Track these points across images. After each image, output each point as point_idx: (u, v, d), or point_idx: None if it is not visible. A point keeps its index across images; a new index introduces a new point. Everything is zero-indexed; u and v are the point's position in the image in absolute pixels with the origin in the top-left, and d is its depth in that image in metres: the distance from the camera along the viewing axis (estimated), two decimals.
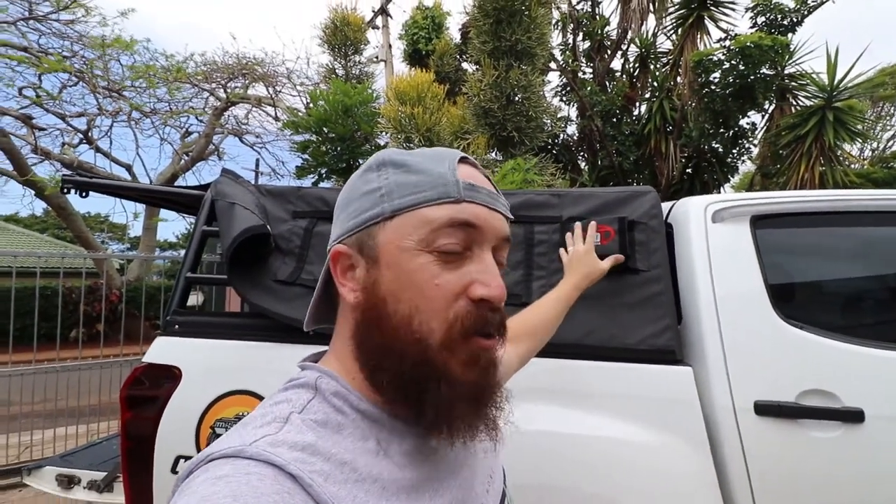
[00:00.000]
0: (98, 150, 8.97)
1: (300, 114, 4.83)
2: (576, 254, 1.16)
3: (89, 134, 8.82)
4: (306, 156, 4.65)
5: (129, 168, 9.66)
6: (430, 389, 0.44)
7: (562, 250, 1.22)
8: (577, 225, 1.23)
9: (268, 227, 1.39)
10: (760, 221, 1.37)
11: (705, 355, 1.26)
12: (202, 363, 1.33)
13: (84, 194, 1.62)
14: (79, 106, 8.88)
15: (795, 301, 1.37)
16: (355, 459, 0.42)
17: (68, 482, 1.56)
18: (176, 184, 8.21)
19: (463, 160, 0.51)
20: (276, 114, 10.18)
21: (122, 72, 8.60)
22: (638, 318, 1.28)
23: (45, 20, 7.88)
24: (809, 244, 1.41)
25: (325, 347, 0.54)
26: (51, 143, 8.78)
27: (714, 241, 1.35)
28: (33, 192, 8.15)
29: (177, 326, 1.38)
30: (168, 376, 1.31)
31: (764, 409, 1.20)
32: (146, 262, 9.11)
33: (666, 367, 1.25)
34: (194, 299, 4.29)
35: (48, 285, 5.06)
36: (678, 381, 1.23)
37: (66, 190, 1.55)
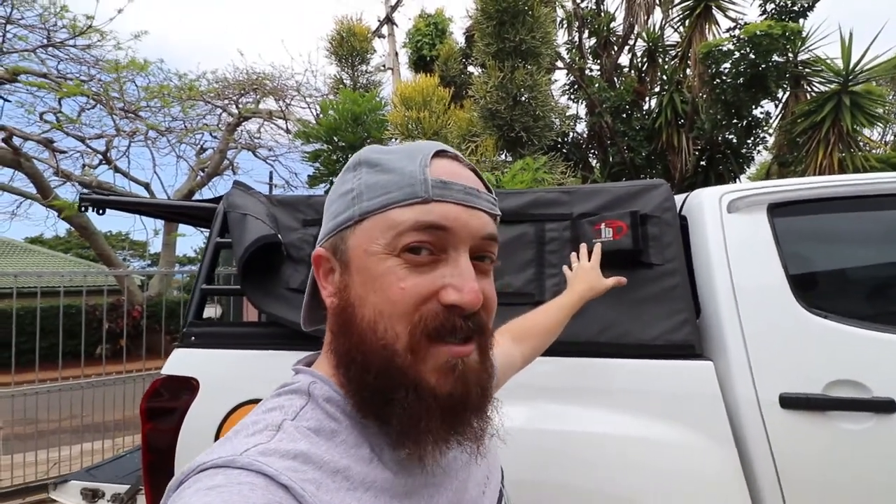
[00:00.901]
0: (117, 169, 9.20)
1: (310, 124, 4.89)
2: (581, 269, 1.14)
3: (108, 154, 9.05)
4: (318, 165, 4.70)
5: (147, 186, 9.88)
6: (397, 400, 0.42)
7: (565, 267, 1.20)
8: (583, 245, 1.21)
9: (279, 236, 1.41)
10: (778, 209, 1.34)
11: (726, 349, 1.23)
12: (219, 374, 1.35)
13: (101, 211, 1.66)
14: (97, 128, 9.13)
15: (818, 290, 1.32)
16: (349, 467, 0.42)
17: (93, 496, 1.59)
18: (193, 199, 8.37)
19: (440, 154, 0.48)
20: (287, 126, 10.32)
21: (138, 93, 8.83)
22: (654, 313, 1.26)
23: (62, 46, 8.13)
24: (830, 231, 1.37)
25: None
26: (71, 165, 9.05)
27: (731, 232, 1.32)
28: (56, 214, 8.39)
29: (193, 338, 1.40)
30: (186, 387, 1.32)
31: (790, 402, 1.16)
32: (166, 277, 9.28)
33: (686, 363, 1.22)
34: (213, 311, 4.36)
35: (72, 304, 5.19)
36: (699, 377, 1.21)
37: (84, 208, 1.59)
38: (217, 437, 1.29)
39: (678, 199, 1.49)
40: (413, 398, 0.42)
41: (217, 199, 1.62)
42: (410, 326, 0.43)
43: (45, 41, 7.94)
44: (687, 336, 1.23)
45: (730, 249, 1.31)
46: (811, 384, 1.17)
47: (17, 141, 7.64)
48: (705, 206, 1.38)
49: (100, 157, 9.17)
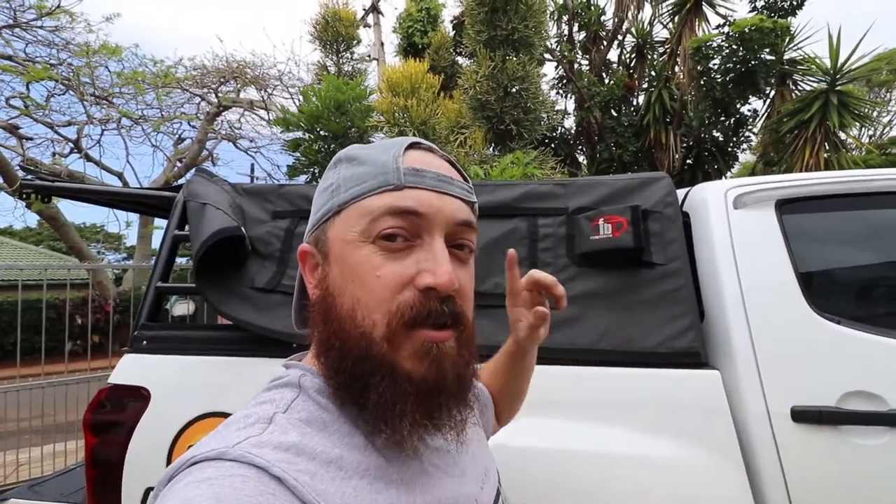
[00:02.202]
0: (88, 158, 8.82)
1: (290, 112, 4.69)
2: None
3: (79, 143, 8.68)
4: (298, 154, 4.51)
5: (120, 176, 9.52)
6: (372, 386, 0.42)
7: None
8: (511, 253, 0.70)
9: (242, 228, 1.26)
10: (787, 206, 1.24)
11: (734, 357, 1.13)
12: (174, 383, 1.20)
13: (47, 199, 1.49)
14: (67, 115, 8.74)
15: (831, 293, 1.24)
16: (342, 456, 0.42)
17: None
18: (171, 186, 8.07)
19: (414, 146, 0.50)
20: (268, 117, 10.04)
21: (111, 78, 8.46)
22: (656, 317, 1.15)
23: (29, 27, 7.73)
24: (843, 229, 1.28)
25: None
26: (41, 153, 8.65)
27: (737, 229, 1.22)
28: (24, 205, 8.01)
29: (145, 342, 1.25)
30: (136, 398, 1.17)
31: (802, 416, 1.07)
32: (142, 271, 8.97)
33: (690, 372, 1.12)
34: (185, 309, 4.14)
35: (45, 298, 4.96)
36: (705, 387, 1.10)
37: (26, 195, 1.42)
38: (170, 455, 1.15)
39: (679, 193, 1.39)
40: (388, 383, 0.42)
41: (177, 188, 1.47)
42: (388, 316, 0.43)
43: (10, 21, 7.53)
44: (691, 342, 1.12)
45: (736, 248, 1.21)
46: (824, 396, 1.08)
47: None
48: (710, 201, 1.28)
49: (70, 145, 8.80)
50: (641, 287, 1.19)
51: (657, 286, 1.18)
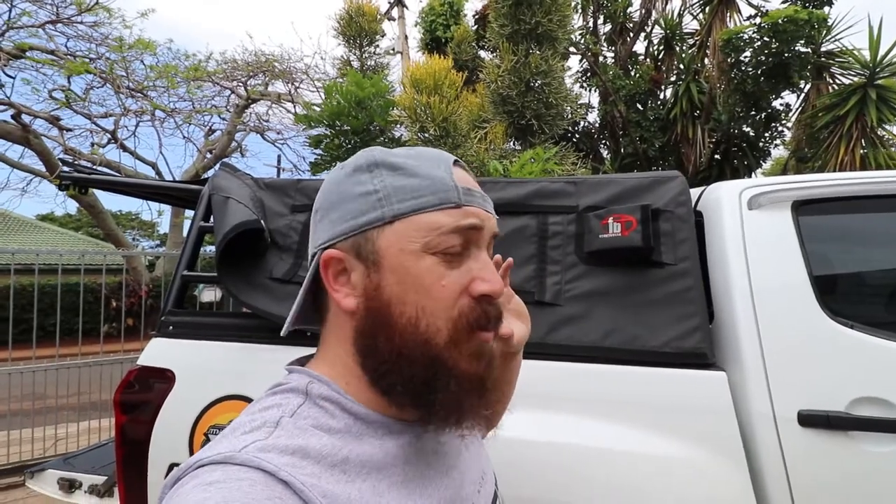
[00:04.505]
0: (124, 148, 9.16)
1: (313, 107, 4.77)
2: None
3: (116, 133, 9.01)
4: (320, 150, 4.59)
5: (153, 166, 9.86)
6: (439, 388, 0.45)
7: None
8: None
9: (262, 221, 1.32)
10: (804, 207, 1.22)
11: (741, 358, 1.13)
12: (196, 366, 1.27)
13: (83, 190, 1.58)
14: (105, 107, 9.08)
15: (844, 296, 1.22)
16: (347, 459, 0.43)
17: (69, 486, 1.54)
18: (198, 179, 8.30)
19: (455, 163, 0.52)
20: (294, 110, 10.21)
21: (145, 72, 8.74)
22: (664, 317, 1.15)
23: (70, 23, 8.04)
24: (860, 233, 1.25)
25: (312, 350, 0.54)
26: (80, 143, 9.02)
27: (751, 231, 1.21)
28: (64, 192, 8.38)
29: (171, 327, 1.32)
30: (162, 380, 1.25)
31: (810, 420, 1.06)
32: (173, 258, 9.30)
33: (696, 372, 1.12)
34: (212, 295, 4.29)
35: (69, 281, 5.20)
36: (710, 388, 1.11)
37: (63, 186, 1.51)
38: (193, 433, 1.22)
39: (694, 193, 1.38)
40: (454, 384, 0.45)
41: (203, 181, 1.54)
42: (451, 321, 0.46)
43: (53, 17, 7.85)
44: (698, 343, 1.13)
45: (749, 250, 1.20)
46: (833, 401, 1.07)
47: (26, 119, 7.61)
48: (724, 201, 1.27)
49: (108, 135, 9.14)
50: (650, 286, 1.19)
51: (666, 286, 1.18)
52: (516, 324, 0.72)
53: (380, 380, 0.47)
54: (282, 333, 0.55)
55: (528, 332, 0.72)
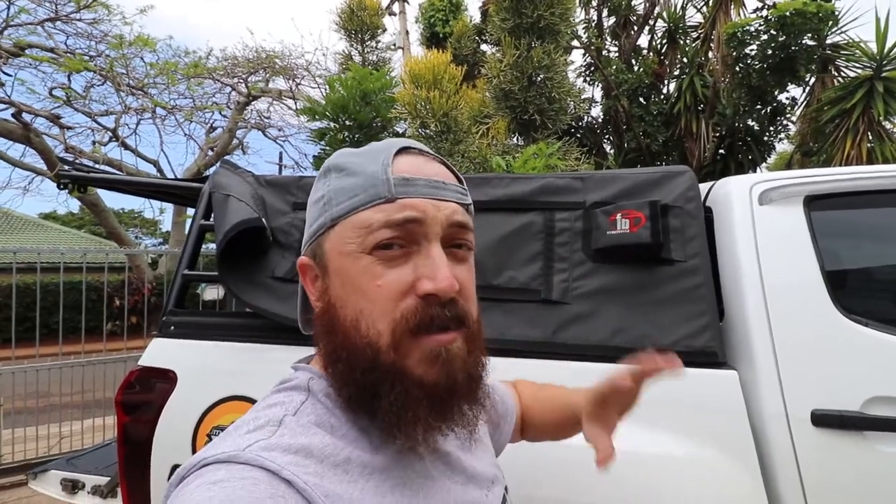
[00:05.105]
0: (126, 146, 9.16)
1: (317, 101, 4.74)
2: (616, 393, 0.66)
3: (117, 131, 9.00)
4: (324, 144, 4.57)
5: (155, 163, 9.85)
6: (383, 395, 0.43)
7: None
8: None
9: (263, 219, 1.30)
10: (816, 202, 1.19)
11: (753, 357, 1.11)
12: (198, 367, 1.26)
13: (83, 189, 1.56)
14: (106, 105, 9.07)
15: (859, 294, 1.19)
16: (349, 459, 0.43)
17: (73, 487, 1.53)
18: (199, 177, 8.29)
19: (404, 150, 0.49)
20: (296, 106, 10.18)
21: (145, 69, 8.72)
22: (673, 315, 1.13)
23: (69, 20, 8.02)
24: (875, 228, 1.22)
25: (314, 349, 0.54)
26: (81, 141, 9.02)
27: (762, 226, 1.19)
28: (66, 190, 8.38)
29: (173, 327, 1.31)
30: (164, 380, 1.23)
31: (823, 420, 1.04)
32: (176, 256, 9.31)
33: (707, 371, 1.10)
34: (214, 294, 4.29)
35: (72, 279, 5.20)
36: (721, 387, 1.09)
37: (62, 186, 1.49)
38: (196, 435, 1.21)
39: (703, 188, 1.36)
40: (399, 390, 0.43)
41: (204, 179, 1.52)
42: (393, 324, 0.43)
43: (52, 14, 7.82)
44: (708, 341, 1.10)
45: (760, 246, 1.17)
46: (847, 400, 1.05)
47: (27, 117, 7.61)
48: (734, 196, 1.25)
49: (109, 133, 9.14)
50: (659, 284, 1.17)
51: (675, 283, 1.16)
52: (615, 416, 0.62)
53: (336, 382, 0.46)
54: (302, 331, 0.57)
55: (616, 424, 0.64)
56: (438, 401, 0.44)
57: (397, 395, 0.43)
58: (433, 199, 0.46)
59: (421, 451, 0.46)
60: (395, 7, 8.84)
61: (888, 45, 4.88)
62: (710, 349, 1.10)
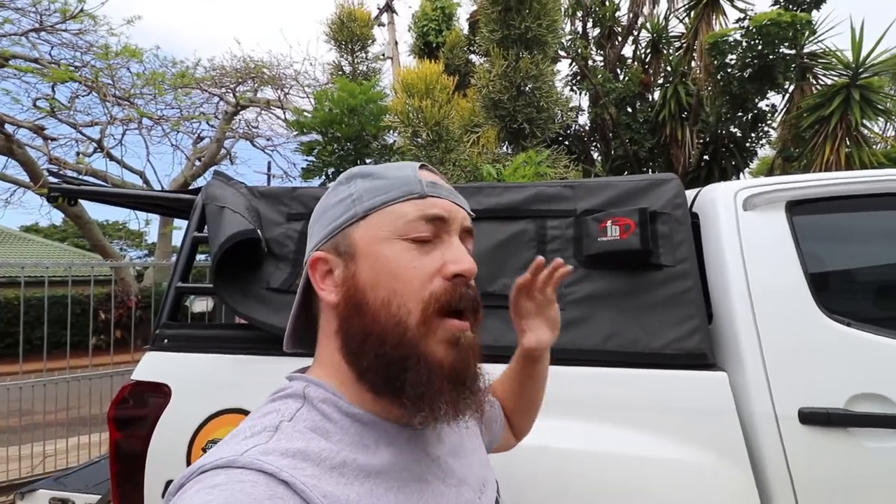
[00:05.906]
0: (111, 157, 9.05)
1: (305, 114, 4.75)
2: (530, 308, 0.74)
3: (102, 142, 8.90)
4: (312, 157, 4.57)
5: (141, 174, 9.75)
6: (410, 369, 0.46)
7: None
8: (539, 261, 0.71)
9: (258, 231, 1.30)
10: (798, 207, 1.24)
11: (741, 358, 1.13)
12: (193, 380, 1.25)
13: (73, 202, 1.55)
14: (91, 115, 8.97)
15: (841, 295, 1.23)
16: (345, 462, 0.44)
17: None
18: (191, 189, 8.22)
19: (422, 167, 0.55)
20: (285, 116, 10.17)
21: (132, 79, 8.65)
22: (663, 318, 1.16)
23: (54, 31, 7.95)
24: (854, 231, 1.27)
25: (310, 361, 0.55)
26: (65, 152, 8.90)
27: (746, 231, 1.22)
28: (52, 203, 8.24)
29: (166, 341, 1.30)
30: (157, 394, 1.22)
31: (810, 418, 1.07)
32: (162, 268, 9.18)
33: (697, 373, 1.12)
34: (203, 305, 4.24)
35: (55, 293, 5.10)
36: (711, 389, 1.11)
37: (52, 199, 1.48)
38: (191, 449, 1.20)
39: (689, 194, 1.39)
40: (424, 365, 0.46)
41: (196, 191, 1.52)
42: (423, 303, 0.47)
43: (36, 25, 7.75)
44: (698, 344, 1.13)
45: (745, 250, 1.21)
46: (833, 398, 1.08)
47: (10, 128, 7.49)
48: (719, 202, 1.28)
49: (94, 144, 9.03)
50: (649, 289, 1.20)
51: (665, 288, 1.19)
52: (543, 330, 0.74)
53: (356, 362, 0.48)
54: (284, 349, 0.58)
55: (551, 339, 0.75)
56: (459, 383, 0.48)
57: (423, 369, 0.46)
58: (454, 203, 0.53)
59: (442, 422, 0.48)
60: (384, 18, 8.92)
61: (863, 53, 5.04)
62: (699, 351, 1.12)
